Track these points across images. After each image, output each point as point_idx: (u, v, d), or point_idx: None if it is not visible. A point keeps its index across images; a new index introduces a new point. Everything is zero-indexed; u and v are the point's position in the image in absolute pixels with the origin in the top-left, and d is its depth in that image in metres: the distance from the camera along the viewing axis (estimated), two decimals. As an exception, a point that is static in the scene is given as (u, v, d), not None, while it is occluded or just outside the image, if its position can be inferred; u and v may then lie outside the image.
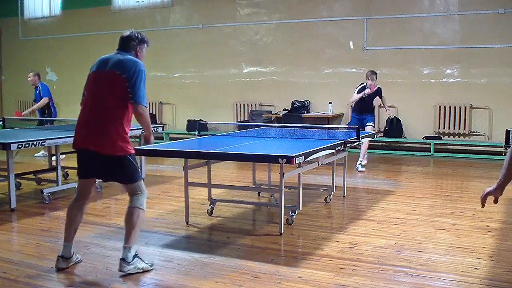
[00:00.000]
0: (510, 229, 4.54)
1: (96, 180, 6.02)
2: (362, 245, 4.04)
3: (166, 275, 3.45)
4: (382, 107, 8.74)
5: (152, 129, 3.73)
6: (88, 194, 3.65)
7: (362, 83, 8.07)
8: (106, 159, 3.40)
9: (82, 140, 3.47)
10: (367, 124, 8.02)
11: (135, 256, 3.48)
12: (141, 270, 3.48)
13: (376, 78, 8.02)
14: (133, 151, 3.51)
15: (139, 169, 3.58)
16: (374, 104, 8.31)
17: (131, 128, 3.65)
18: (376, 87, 8.06)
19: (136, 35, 3.62)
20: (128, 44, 3.59)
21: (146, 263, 3.54)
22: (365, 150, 8.05)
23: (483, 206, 2.55)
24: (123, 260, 3.43)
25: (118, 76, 3.41)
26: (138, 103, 3.41)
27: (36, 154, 9.37)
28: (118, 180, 3.55)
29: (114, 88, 3.42)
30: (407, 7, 9.64)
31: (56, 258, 3.56)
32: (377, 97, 8.11)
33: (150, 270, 3.51)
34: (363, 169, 7.80)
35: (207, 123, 7.45)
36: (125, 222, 3.51)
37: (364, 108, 8.12)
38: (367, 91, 7.86)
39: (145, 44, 3.67)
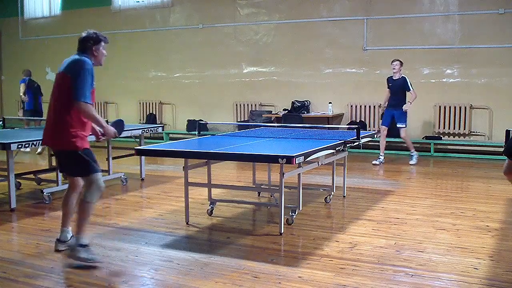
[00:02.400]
0: (510, 229, 4.54)
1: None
2: (362, 245, 4.04)
3: (166, 275, 3.45)
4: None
5: (104, 122, 3.80)
6: (74, 186, 3.93)
7: (389, 75, 8.40)
8: (61, 154, 3.75)
9: (44, 138, 3.80)
10: (398, 125, 8.28)
11: (81, 245, 3.61)
12: (83, 262, 3.58)
13: (401, 65, 8.21)
14: (84, 147, 3.67)
15: (94, 164, 3.69)
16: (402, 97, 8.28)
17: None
18: (399, 77, 8.24)
19: (92, 35, 3.76)
20: (85, 45, 3.75)
21: (90, 256, 3.62)
22: (408, 142, 8.42)
23: None
24: (70, 246, 3.69)
25: (65, 76, 3.63)
26: (77, 100, 3.55)
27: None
28: (74, 173, 3.82)
29: (63, 88, 3.64)
30: (407, 7, 9.64)
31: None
32: (408, 90, 8.20)
33: (93, 264, 3.58)
34: (413, 162, 8.32)
35: (207, 123, 7.45)
36: (76, 213, 3.76)
37: (392, 102, 8.31)
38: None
39: (102, 42, 3.79)
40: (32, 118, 9.70)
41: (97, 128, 3.95)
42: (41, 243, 4.10)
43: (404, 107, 8.20)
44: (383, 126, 8.47)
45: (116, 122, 4.06)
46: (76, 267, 3.58)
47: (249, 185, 6.14)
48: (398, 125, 8.29)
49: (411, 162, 8.36)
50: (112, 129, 3.88)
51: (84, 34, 3.76)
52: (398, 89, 8.23)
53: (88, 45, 3.74)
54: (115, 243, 4.14)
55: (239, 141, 5.03)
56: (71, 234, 3.92)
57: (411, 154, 8.43)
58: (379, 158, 8.42)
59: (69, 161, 3.72)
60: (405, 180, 7.07)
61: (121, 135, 6.50)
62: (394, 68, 8.21)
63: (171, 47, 11.89)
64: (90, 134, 3.89)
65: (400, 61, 8.23)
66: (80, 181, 3.89)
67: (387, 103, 8.43)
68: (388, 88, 8.40)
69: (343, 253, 3.87)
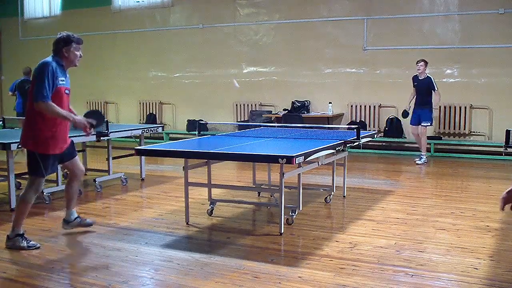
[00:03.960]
0: (510, 229, 4.54)
1: (97, 180, 6.19)
2: (362, 245, 4.04)
3: (166, 275, 3.45)
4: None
5: (71, 116, 3.89)
6: (74, 175, 4.28)
7: (414, 74, 8.49)
8: (27, 152, 3.95)
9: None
10: (422, 123, 8.36)
11: (17, 235, 3.94)
12: (21, 249, 3.90)
13: (426, 66, 8.30)
14: (41, 151, 3.86)
15: (43, 170, 3.91)
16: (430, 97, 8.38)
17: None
18: (425, 76, 8.33)
19: (63, 36, 3.91)
20: (56, 47, 3.92)
21: (27, 244, 3.93)
22: (423, 143, 8.42)
23: (502, 208, 2.38)
24: (7, 236, 3.98)
25: (32, 79, 3.85)
26: (35, 101, 3.74)
27: None
28: (28, 170, 3.98)
29: (31, 91, 3.84)
30: (407, 7, 9.64)
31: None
32: (433, 90, 8.29)
33: (32, 249, 3.91)
34: (420, 162, 8.32)
35: (207, 123, 7.45)
36: (15, 209, 4.13)
37: (418, 101, 8.43)
38: None
39: (72, 43, 3.91)
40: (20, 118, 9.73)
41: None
42: (41, 243, 4.09)
43: (434, 113, 8.40)
44: (413, 126, 8.53)
45: (89, 113, 4.12)
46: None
47: (249, 185, 6.13)
48: (422, 124, 8.35)
49: (417, 161, 8.38)
50: (81, 120, 3.94)
51: (57, 36, 3.92)
52: (424, 89, 8.33)
53: (59, 47, 3.90)
54: (115, 243, 4.14)
55: (239, 141, 5.03)
56: (76, 215, 4.38)
57: (421, 155, 8.44)
58: (422, 158, 8.44)
59: (28, 159, 3.94)
60: (405, 180, 7.07)
61: (122, 136, 6.55)
62: (419, 69, 8.32)
63: (171, 47, 11.88)
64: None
65: (425, 61, 8.32)
66: (78, 171, 4.25)
67: (412, 101, 8.50)
68: (414, 87, 8.47)
69: (343, 253, 3.87)
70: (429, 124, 8.38)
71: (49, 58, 3.89)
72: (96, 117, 4.11)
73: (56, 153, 3.97)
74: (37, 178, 3.94)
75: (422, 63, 8.30)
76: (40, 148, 3.87)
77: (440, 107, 9.47)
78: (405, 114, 8.57)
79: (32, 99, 3.77)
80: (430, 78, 8.30)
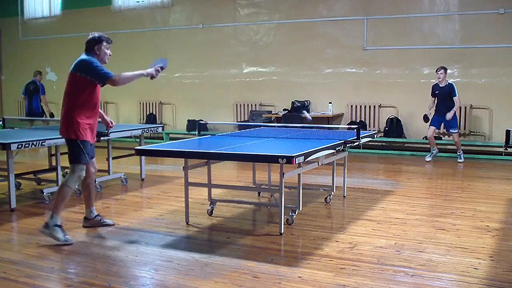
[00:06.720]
0: (510, 229, 4.54)
1: (97, 180, 6.21)
2: (362, 245, 4.04)
3: (166, 275, 3.45)
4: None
5: (142, 71, 4.25)
6: (88, 173, 4.40)
7: (434, 83, 8.56)
8: (66, 141, 4.27)
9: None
10: (449, 131, 8.50)
11: (56, 225, 4.07)
12: (56, 240, 4.03)
13: (445, 73, 8.36)
14: (82, 138, 4.15)
15: (84, 155, 4.18)
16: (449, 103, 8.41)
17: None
18: (446, 83, 8.38)
19: (96, 36, 4.25)
20: (88, 46, 4.25)
21: (63, 237, 4.05)
22: (458, 145, 8.58)
23: None
24: (46, 223, 4.10)
25: (72, 75, 4.16)
26: (105, 83, 4.12)
27: None
28: (69, 159, 4.24)
29: (68, 85, 4.19)
30: (407, 7, 9.64)
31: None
32: (454, 96, 8.32)
33: (66, 244, 4.01)
34: (461, 160, 8.54)
35: (207, 123, 7.45)
36: (56, 195, 4.27)
37: (439, 109, 8.48)
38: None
39: (103, 42, 4.26)
40: (27, 118, 9.78)
41: (108, 119, 4.86)
42: (41, 243, 4.09)
43: (447, 116, 8.34)
44: (432, 127, 8.58)
45: (158, 62, 4.35)
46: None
47: (249, 185, 6.14)
48: (450, 131, 8.46)
49: (459, 160, 8.53)
50: (151, 70, 4.25)
51: (89, 37, 4.24)
52: (446, 96, 8.36)
53: (90, 45, 4.23)
54: (115, 243, 4.14)
55: (239, 141, 5.03)
56: (95, 213, 4.58)
57: (459, 153, 8.59)
58: (432, 153, 8.63)
59: (68, 148, 4.22)
60: (405, 180, 7.07)
61: (122, 136, 6.57)
62: (439, 77, 8.36)
63: (171, 47, 11.88)
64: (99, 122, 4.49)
65: (445, 68, 8.37)
66: (93, 168, 4.46)
67: (433, 109, 8.56)
68: (433, 95, 8.51)
69: (343, 253, 3.87)
70: (456, 131, 8.48)
71: (83, 56, 4.18)
72: (161, 61, 4.36)
73: (91, 141, 4.28)
74: (79, 165, 4.17)
75: (442, 70, 8.33)
76: (81, 136, 4.15)
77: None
78: (425, 118, 8.61)
79: (101, 82, 4.13)
80: (451, 84, 8.36)
